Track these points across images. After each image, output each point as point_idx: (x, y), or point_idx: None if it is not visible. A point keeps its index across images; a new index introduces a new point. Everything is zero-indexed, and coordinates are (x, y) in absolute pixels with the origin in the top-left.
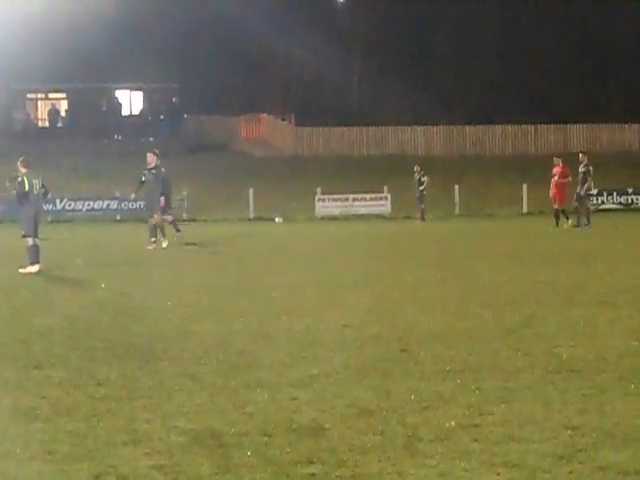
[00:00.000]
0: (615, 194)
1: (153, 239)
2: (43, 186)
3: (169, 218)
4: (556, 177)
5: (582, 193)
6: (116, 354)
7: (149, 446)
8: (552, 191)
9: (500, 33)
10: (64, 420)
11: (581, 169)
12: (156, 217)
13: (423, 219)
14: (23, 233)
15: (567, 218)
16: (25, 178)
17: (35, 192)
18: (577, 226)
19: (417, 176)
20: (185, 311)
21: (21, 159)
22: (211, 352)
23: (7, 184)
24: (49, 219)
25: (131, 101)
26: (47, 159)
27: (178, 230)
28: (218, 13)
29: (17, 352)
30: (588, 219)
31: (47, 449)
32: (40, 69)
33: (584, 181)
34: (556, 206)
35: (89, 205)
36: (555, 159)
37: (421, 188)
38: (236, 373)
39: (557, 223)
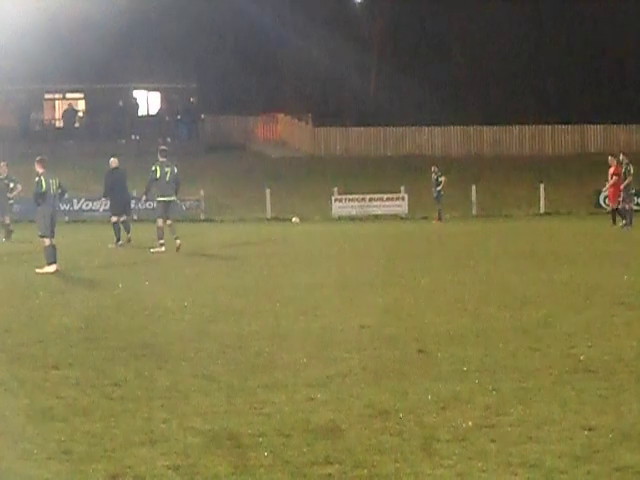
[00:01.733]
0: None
1: (161, 241)
2: (60, 186)
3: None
4: (612, 177)
5: (621, 188)
6: (133, 354)
7: (166, 446)
8: (608, 191)
9: (517, 33)
10: (81, 420)
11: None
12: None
13: (440, 219)
14: (40, 233)
15: (623, 218)
16: (42, 178)
17: (52, 192)
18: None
19: (434, 176)
20: (202, 311)
21: (38, 159)
22: (228, 353)
23: None
24: (66, 219)
25: (148, 101)
26: (64, 159)
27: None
28: (236, 13)
29: (35, 352)
30: (630, 218)
31: (64, 449)
32: (57, 69)
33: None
34: (612, 205)
35: (106, 205)
36: (610, 159)
37: (438, 188)
38: (253, 374)
39: (614, 221)
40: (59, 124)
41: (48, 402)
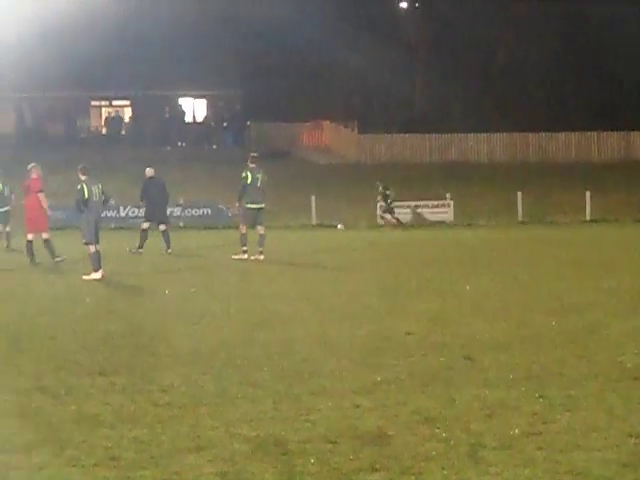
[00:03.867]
0: None
1: (244, 248)
2: (103, 193)
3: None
4: None
5: None
6: (179, 361)
7: (213, 453)
8: None
9: (562, 39)
10: (128, 427)
11: None
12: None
13: (399, 224)
14: (84, 240)
15: None
16: (84, 185)
17: (95, 199)
18: None
19: (382, 191)
20: (248, 318)
21: (80, 166)
22: (274, 359)
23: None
24: (112, 226)
25: (194, 108)
26: (110, 166)
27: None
28: (281, 21)
29: (81, 359)
30: None
31: (111, 455)
32: (104, 76)
33: None
34: None
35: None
36: None
37: (389, 201)
38: (299, 380)
39: None
40: (105, 131)
41: (95, 409)
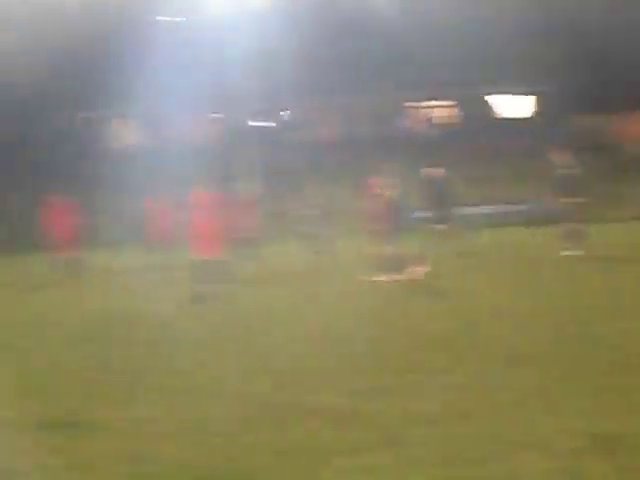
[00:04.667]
0: None
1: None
2: (402, 195)
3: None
4: None
5: None
6: (510, 358)
7: (549, 449)
8: None
9: None
10: (463, 424)
11: None
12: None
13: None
14: (389, 243)
15: None
16: (389, 189)
17: (399, 201)
18: None
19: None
20: (570, 314)
21: (383, 170)
22: (600, 353)
23: None
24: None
25: (514, 105)
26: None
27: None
28: (600, 10)
29: (417, 358)
30: None
31: (449, 454)
32: (421, 77)
33: None
34: None
35: (478, 210)
36: None
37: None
38: (625, 374)
39: None
40: (425, 132)
41: (430, 407)
